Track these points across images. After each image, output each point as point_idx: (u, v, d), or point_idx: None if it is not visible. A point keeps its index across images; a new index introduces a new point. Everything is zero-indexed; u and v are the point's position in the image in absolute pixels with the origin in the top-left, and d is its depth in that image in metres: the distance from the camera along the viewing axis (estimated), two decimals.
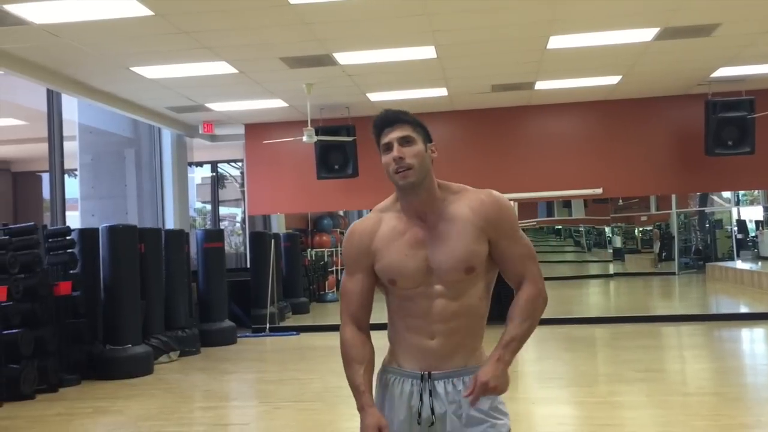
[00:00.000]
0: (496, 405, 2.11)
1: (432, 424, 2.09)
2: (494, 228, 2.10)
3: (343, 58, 7.65)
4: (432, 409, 2.08)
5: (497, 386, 1.99)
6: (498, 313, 2.33)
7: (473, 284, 2.09)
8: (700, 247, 12.20)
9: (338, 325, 2.23)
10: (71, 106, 10.47)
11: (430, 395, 2.08)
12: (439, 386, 2.09)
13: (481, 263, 2.09)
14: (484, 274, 2.12)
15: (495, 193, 2.15)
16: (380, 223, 2.15)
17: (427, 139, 2.12)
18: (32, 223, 7.80)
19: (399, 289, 2.11)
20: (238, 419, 6.28)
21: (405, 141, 2.06)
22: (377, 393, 2.19)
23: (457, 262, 2.06)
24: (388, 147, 2.07)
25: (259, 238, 11.53)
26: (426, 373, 2.09)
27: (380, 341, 2.27)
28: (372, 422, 2.06)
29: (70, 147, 10.60)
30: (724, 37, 7.40)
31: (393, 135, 2.06)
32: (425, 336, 2.09)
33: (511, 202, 2.24)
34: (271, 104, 9.89)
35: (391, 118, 2.09)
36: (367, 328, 2.20)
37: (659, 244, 12.00)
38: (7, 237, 7.24)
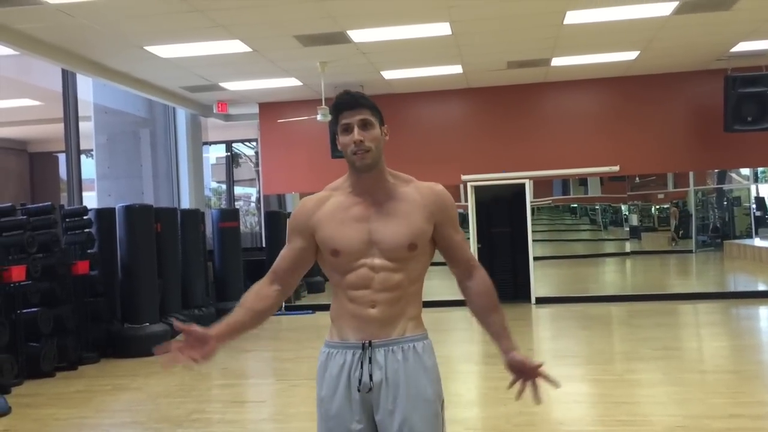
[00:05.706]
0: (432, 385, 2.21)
1: (370, 389, 2.16)
2: (442, 214, 2.24)
3: (357, 35, 7.60)
4: (371, 376, 2.15)
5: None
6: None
7: (414, 259, 2.20)
8: (718, 225, 12.06)
9: None
10: (86, 87, 10.50)
11: (370, 362, 2.16)
12: (379, 354, 2.17)
13: (423, 242, 2.21)
14: (424, 252, 2.23)
15: (442, 186, 2.31)
16: (327, 200, 2.27)
17: (382, 122, 2.22)
18: (49, 203, 7.85)
19: (342, 261, 2.19)
20: (255, 396, 6.34)
21: (364, 125, 2.16)
22: (317, 374, 2.27)
23: (401, 237, 2.17)
24: (347, 128, 2.17)
25: (274, 218, 11.56)
26: (367, 342, 2.17)
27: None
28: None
29: (86, 127, 10.64)
30: (744, 10, 7.27)
31: (354, 118, 2.16)
32: (366, 305, 2.17)
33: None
34: (285, 83, 9.86)
35: (352, 101, 2.18)
36: (283, 288, 2.36)
37: (675, 222, 11.86)
38: (25, 217, 7.30)
